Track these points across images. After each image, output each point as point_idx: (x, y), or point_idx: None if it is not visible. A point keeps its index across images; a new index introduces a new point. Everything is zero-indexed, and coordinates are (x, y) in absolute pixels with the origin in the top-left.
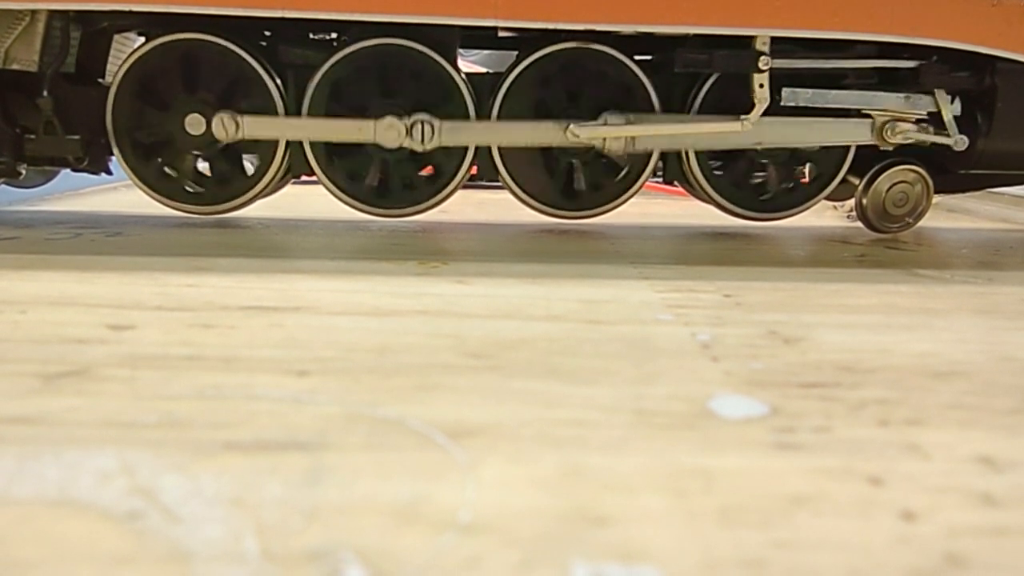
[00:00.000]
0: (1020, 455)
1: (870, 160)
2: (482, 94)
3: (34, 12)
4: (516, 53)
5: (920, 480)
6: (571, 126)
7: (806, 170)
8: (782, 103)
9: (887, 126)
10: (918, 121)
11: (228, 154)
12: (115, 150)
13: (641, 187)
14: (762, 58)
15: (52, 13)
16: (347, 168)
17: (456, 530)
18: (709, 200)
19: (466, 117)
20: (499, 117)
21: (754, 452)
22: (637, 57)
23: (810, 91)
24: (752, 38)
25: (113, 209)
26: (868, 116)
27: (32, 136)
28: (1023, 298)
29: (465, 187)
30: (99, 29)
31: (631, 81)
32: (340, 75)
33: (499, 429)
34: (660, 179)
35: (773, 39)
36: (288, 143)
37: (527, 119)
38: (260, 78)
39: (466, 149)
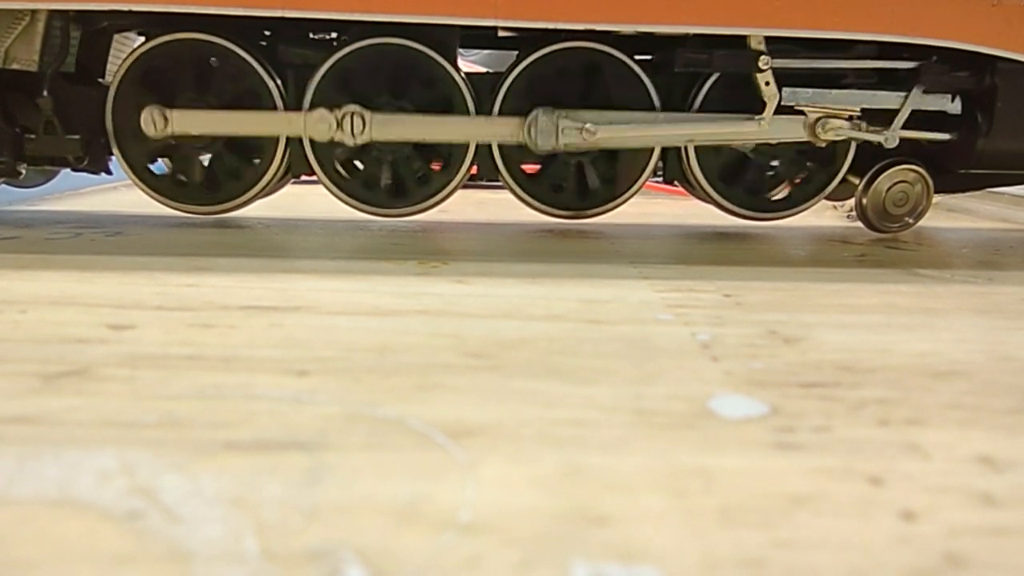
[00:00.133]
0: (1020, 455)
1: (870, 160)
2: (482, 94)
3: (34, 12)
4: (516, 53)
5: (920, 480)
6: (587, 125)
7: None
8: (781, 103)
9: (819, 123)
10: (851, 118)
11: (230, 153)
12: (115, 150)
13: (641, 186)
14: (762, 58)
15: (52, 13)
16: (347, 168)
17: (456, 530)
18: (709, 200)
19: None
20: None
21: (754, 452)
22: (637, 57)
23: (810, 91)
24: (752, 38)
25: (113, 209)
26: (800, 113)
27: (32, 136)
28: (1023, 298)
29: (465, 187)
30: (99, 29)
31: (631, 81)
32: (340, 75)
33: (499, 429)
34: (660, 179)
35: (773, 39)
36: (288, 142)
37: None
38: (260, 78)
39: (466, 148)
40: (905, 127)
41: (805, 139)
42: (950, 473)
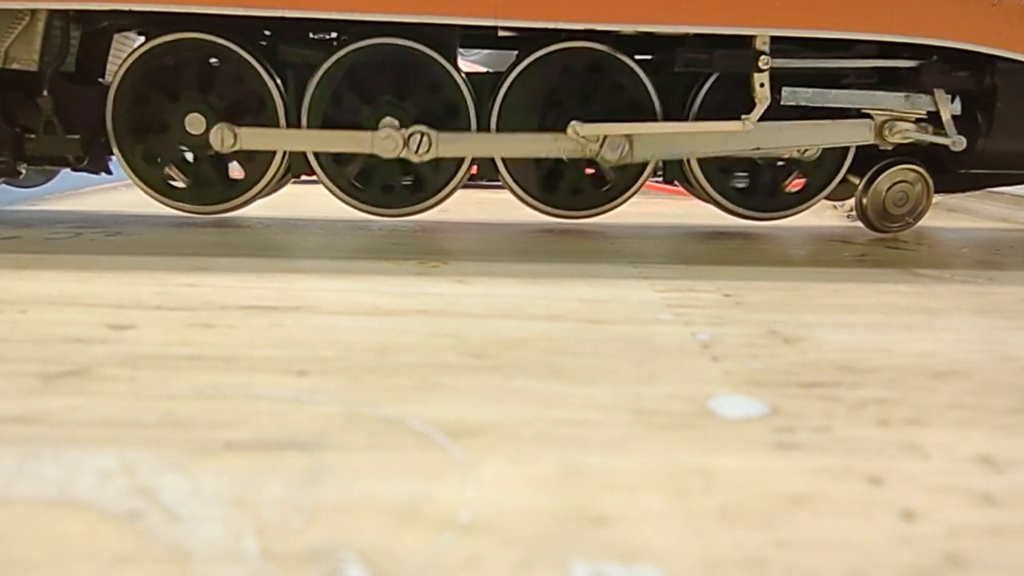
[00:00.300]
0: (1020, 455)
1: (870, 159)
2: (482, 94)
3: (34, 11)
4: (516, 53)
5: (920, 480)
6: (572, 123)
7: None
8: (782, 103)
9: (886, 125)
10: (917, 120)
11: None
12: (115, 150)
13: (642, 186)
14: (762, 57)
15: (52, 13)
16: (348, 168)
17: (456, 530)
18: (709, 199)
19: (466, 117)
20: (499, 117)
21: (754, 452)
22: (638, 57)
23: (810, 91)
24: (752, 38)
25: (113, 209)
26: (868, 116)
27: (32, 136)
28: (1023, 298)
29: (465, 187)
30: (99, 29)
31: (632, 81)
32: (340, 75)
33: (499, 429)
34: (660, 179)
35: (773, 39)
36: None
37: (527, 120)
38: (260, 78)
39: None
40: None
41: (872, 142)
42: (950, 473)
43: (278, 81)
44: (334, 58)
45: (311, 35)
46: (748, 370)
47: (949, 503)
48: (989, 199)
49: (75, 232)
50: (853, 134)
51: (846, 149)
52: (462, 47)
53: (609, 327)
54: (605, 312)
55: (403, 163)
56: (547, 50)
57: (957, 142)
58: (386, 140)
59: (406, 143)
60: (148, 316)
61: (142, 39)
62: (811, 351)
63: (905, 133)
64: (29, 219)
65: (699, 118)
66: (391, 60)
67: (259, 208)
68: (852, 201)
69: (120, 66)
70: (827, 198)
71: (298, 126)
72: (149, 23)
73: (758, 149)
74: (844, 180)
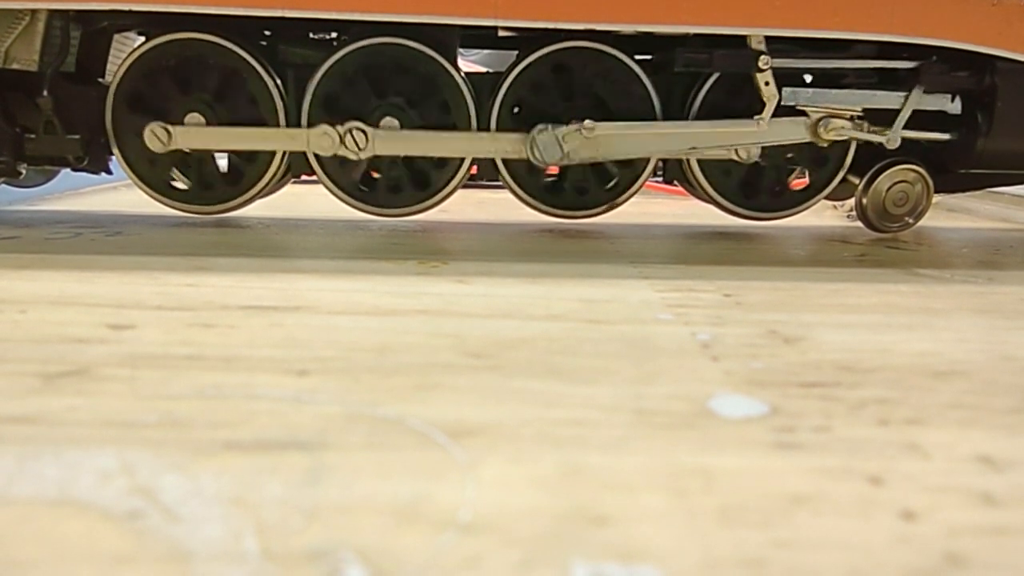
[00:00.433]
0: (1020, 455)
1: (870, 159)
2: (482, 94)
3: (34, 11)
4: (516, 53)
5: (920, 480)
6: (586, 121)
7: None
8: (782, 103)
9: (821, 123)
10: (852, 118)
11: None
12: (115, 150)
13: (641, 186)
14: (762, 57)
15: (52, 12)
16: (348, 167)
17: (456, 530)
18: (709, 200)
19: (466, 117)
20: (499, 117)
21: (754, 452)
22: (638, 57)
23: (810, 91)
24: (751, 38)
25: (113, 209)
26: (803, 114)
27: (32, 136)
28: (1023, 298)
29: (465, 187)
30: (99, 29)
31: (631, 81)
32: (340, 75)
33: (499, 429)
34: (660, 179)
35: (773, 39)
36: None
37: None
38: (260, 77)
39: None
40: (906, 127)
41: (807, 140)
42: (950, 473)
43: (278, 81)
44: (334, 58)
45: (311, 35)
46: (748, 370)
47: (949, 503)
48: (989, 199)
49: (75, 232)
50: (787, 132)
51: (846, 149)
52: (462, 47)
53: (609, 327)
54: (605, 312)
55: (405, 162)
56: (547, 49)
57: (892, 139)
58: (322, 137)
59: (342, 140)
60: (148, 316)
61: (142, 39)
62: (811, 351)
63: (840, 131)
64: (29, 219)
65: (699, 117)
66: (391, 60)
67: (259, 208)
68: (852, 201)
69: (120, 66)
70: (827, 198)
71: (298, 126)
72: (149, 23)
73: (695, 149)
74: (844, 180)
